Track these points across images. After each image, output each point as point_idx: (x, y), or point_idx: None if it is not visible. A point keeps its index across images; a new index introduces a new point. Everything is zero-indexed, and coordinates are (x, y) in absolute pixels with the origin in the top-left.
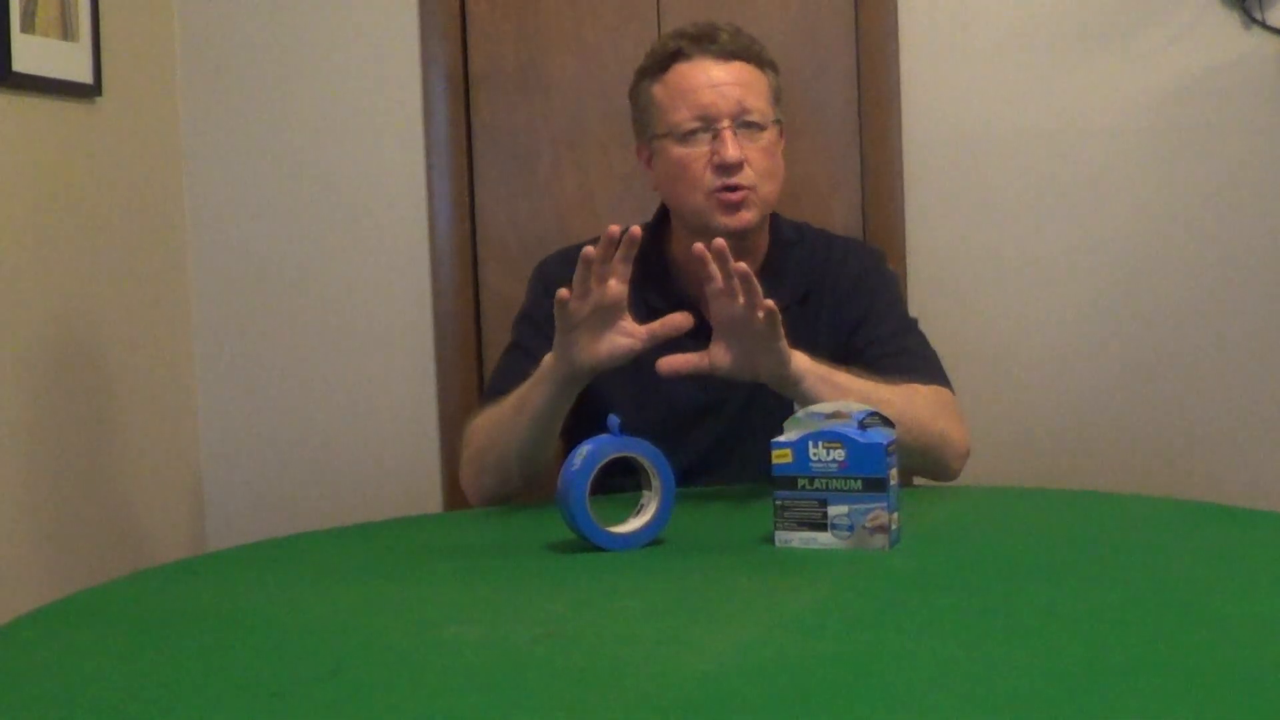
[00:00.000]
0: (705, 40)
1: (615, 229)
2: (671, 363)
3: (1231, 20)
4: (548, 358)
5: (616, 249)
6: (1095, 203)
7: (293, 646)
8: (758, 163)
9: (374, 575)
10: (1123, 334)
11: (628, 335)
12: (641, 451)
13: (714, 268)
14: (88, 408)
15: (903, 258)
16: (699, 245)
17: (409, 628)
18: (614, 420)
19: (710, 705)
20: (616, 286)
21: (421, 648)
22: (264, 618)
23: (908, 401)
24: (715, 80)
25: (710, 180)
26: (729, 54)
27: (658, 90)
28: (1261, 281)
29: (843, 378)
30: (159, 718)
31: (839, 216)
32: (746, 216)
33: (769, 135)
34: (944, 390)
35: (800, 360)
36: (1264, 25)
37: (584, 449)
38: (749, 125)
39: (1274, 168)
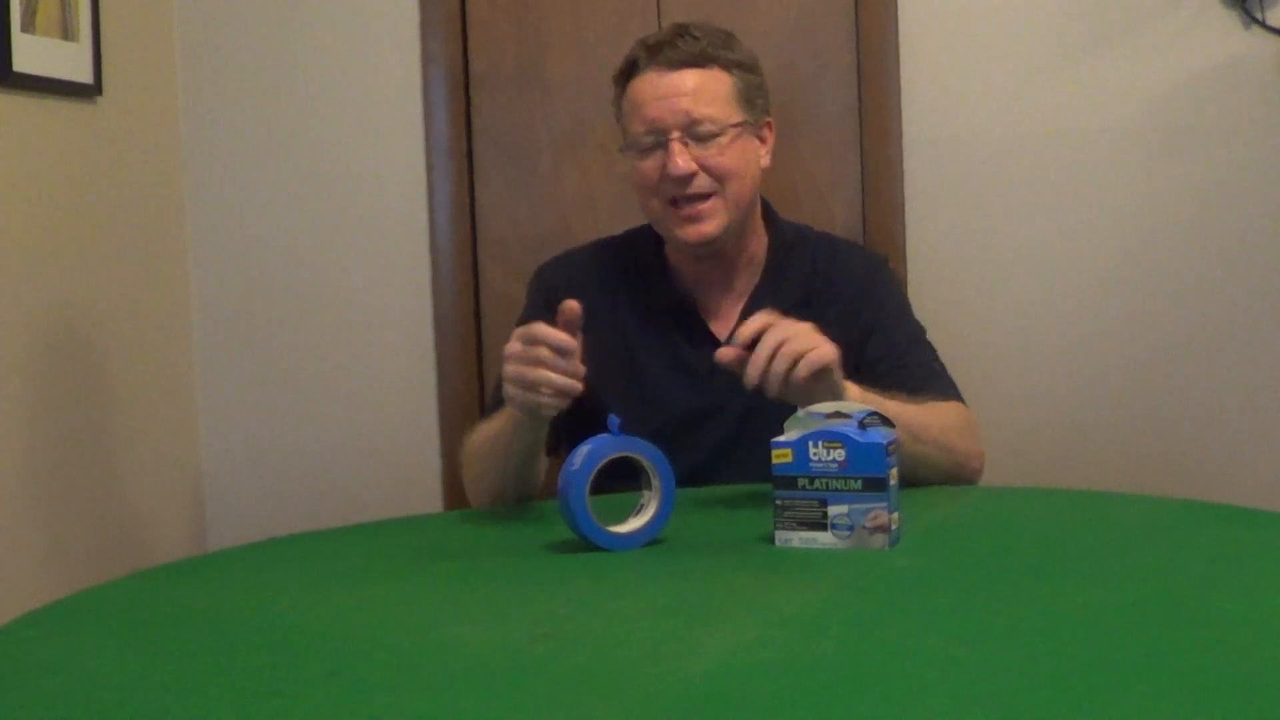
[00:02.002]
0: (657, 50)
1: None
2: (728, 355)
3: (1231, 20)
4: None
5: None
6: (1095, 203)
7: (292, 646)
8: (715, 167)
9: (374, 575)
10: (1123, 334)
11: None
12: (642, 451)
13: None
14: (88, 408)
15: (903, 258)
16: (722, 352)
17: (409, 628)
18: (614, 420)
19: (710, 705)
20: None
21: (421, 648)
22: (264, 618)
23: (942, 423)
24: (661, 93)
25: (666, 190)
26: (678, 62)
27: (624, 103)
28: (1261, 281)
29: (891, 405)
30: (159, 718)
31: (839, 216)
32: (704, 229)
33: (726, 139)
34: (963, 407)
35: (851, 391)
36: (1264, 25)
37: (584, 449)
38: (700, 135)
39: (1274, 167)
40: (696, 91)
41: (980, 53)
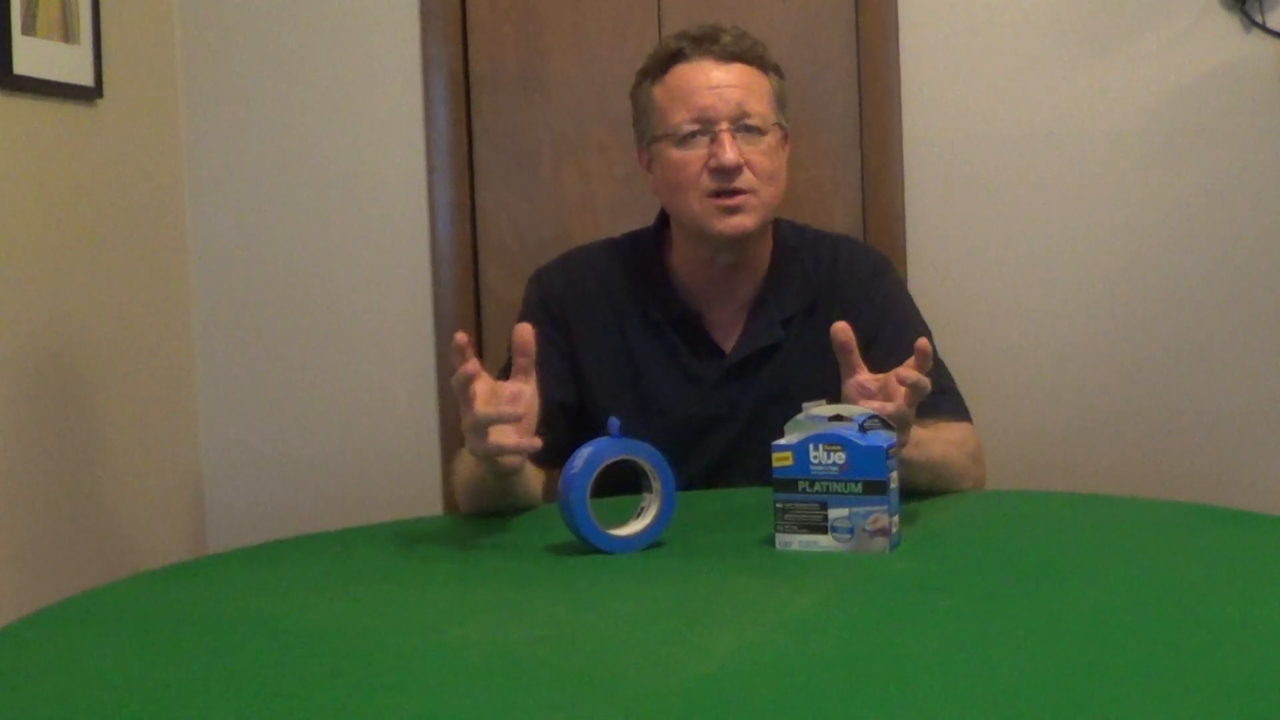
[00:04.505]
0: (707, 41)
1: (465, 363)
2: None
3: (1231, 23)
4: (475, 461)
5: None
6: (1095, 205)
7: (293, 648)
8: (758, 166)
9: (374, 577)
10: (1123, 336)
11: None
12: (642, 454)
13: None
14: (88, 411)
15: (903, 259)
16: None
17: (409, 629)
18: (614, 423)
19: (710, 708)
20: (481, 390)
21: (422, 649)
22: (264, 619)
23: (960, 454)
24: (715, 82)
25: (707, 183)
26: (730, 56)
27: (658, 91)
28: (1261, 283)
29: (923, 434)
30: (159, 718)
31: (839, 218)
32: (744, 222)
33: (769, 139)
34: (971, 429)
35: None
36: (1264, 28)
37: (585, 451)
38: (748, 129)
39: (1274, 169)
40: (749, 86)
41: (980, 54)
